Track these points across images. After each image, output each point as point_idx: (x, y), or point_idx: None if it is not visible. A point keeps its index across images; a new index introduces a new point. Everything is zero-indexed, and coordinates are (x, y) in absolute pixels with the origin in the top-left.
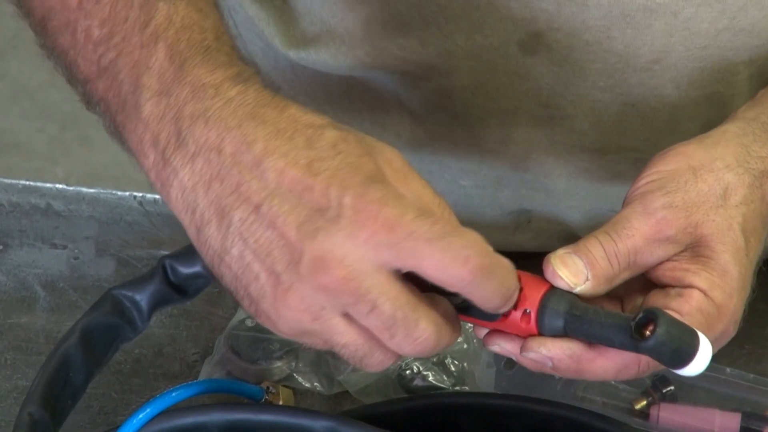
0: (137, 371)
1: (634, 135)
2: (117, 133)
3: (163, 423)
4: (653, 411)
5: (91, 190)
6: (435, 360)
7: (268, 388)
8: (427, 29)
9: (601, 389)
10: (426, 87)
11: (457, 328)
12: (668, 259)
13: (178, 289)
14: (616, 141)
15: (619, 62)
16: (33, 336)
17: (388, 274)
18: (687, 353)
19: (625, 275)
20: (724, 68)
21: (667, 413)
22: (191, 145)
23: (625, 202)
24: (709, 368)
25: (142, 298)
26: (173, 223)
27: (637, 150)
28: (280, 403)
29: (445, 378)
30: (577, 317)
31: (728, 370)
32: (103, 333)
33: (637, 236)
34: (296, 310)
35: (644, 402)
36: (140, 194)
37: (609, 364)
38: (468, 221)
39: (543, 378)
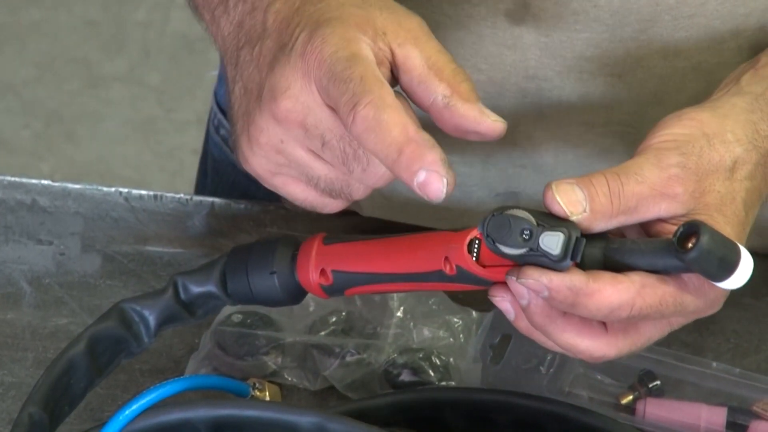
0: (123, 367)
1: (620, 107)
2: None
3: (149, 419)
4: (639, 406)
5: (77, 186)
6: (421, 355)
7: (254, 383)
8: None
9: (587, 384)
10: None
11: (421, 152)
12: (668, 222)
13: (187, 308)
14: (602, 114)
15: (606, 31)
16: (19, 332)
17: (333, 111)
18: (731, 262)
19: (621, 219)
20: (711, 37)
21: (653, 408)
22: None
23: (638, 152)
24: (694, 363)
25: (151, 313)
26: (159, 219)
27: (624, 123)
28: (267, 399)
29: (432, 373)
30: (616, 249)
31: (714, 364)
32: (108, 344)
33: (645, 184)
34: (260, 144)
35: (630, 397)
36: (126, 190)
37: (605, 302)
38: (455, 203)
39: (529, 373)
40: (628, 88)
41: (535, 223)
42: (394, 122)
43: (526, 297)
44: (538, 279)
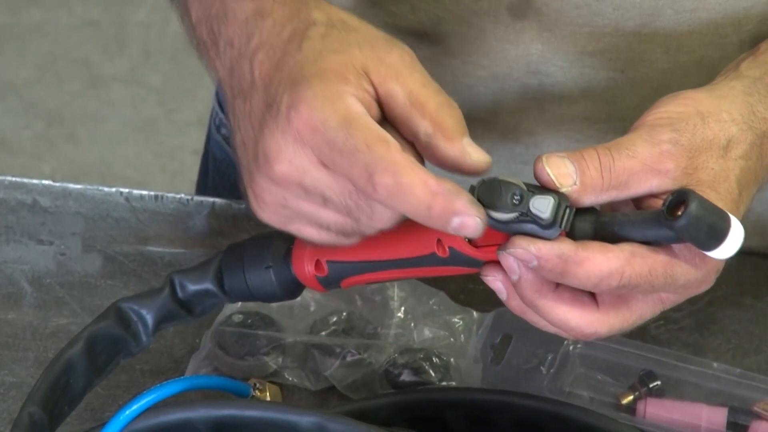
0: (124, 367)
1: (623, 102)
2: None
3: (149, 419)
4: (640, 406)
5: (78, 186)
6: (422, 355)
7: (255, 384)
8: None
9: (587, 384)
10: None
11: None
12: (660, 198)
13: (185, 306)
14: (605, 109)
15: (608, 26)
16: (20, 332)
17: (329, 169)
18: (720, 230)
19: (612, 194)
20: (713, 32)
21: (653, 408)
22: (221, 42)
23: (632, 129)
24: (695, 363)
25: (148, 312)
26: (159, 219)
27: (626, 119)
28: (267, 399)
29: (432, 373)
30: (605, 222)
31: (715, 364)
32: (107, 344)
33: (636, 159)
34: (265, 202)
35: (631, 397)
36: (126, 190)
37: (594, 270)
38: None
39: (529, 373)
40: (630, 83)
41: (525, 188)
42: (414, 183)
43: (517, 271)
44: (527, 248)
